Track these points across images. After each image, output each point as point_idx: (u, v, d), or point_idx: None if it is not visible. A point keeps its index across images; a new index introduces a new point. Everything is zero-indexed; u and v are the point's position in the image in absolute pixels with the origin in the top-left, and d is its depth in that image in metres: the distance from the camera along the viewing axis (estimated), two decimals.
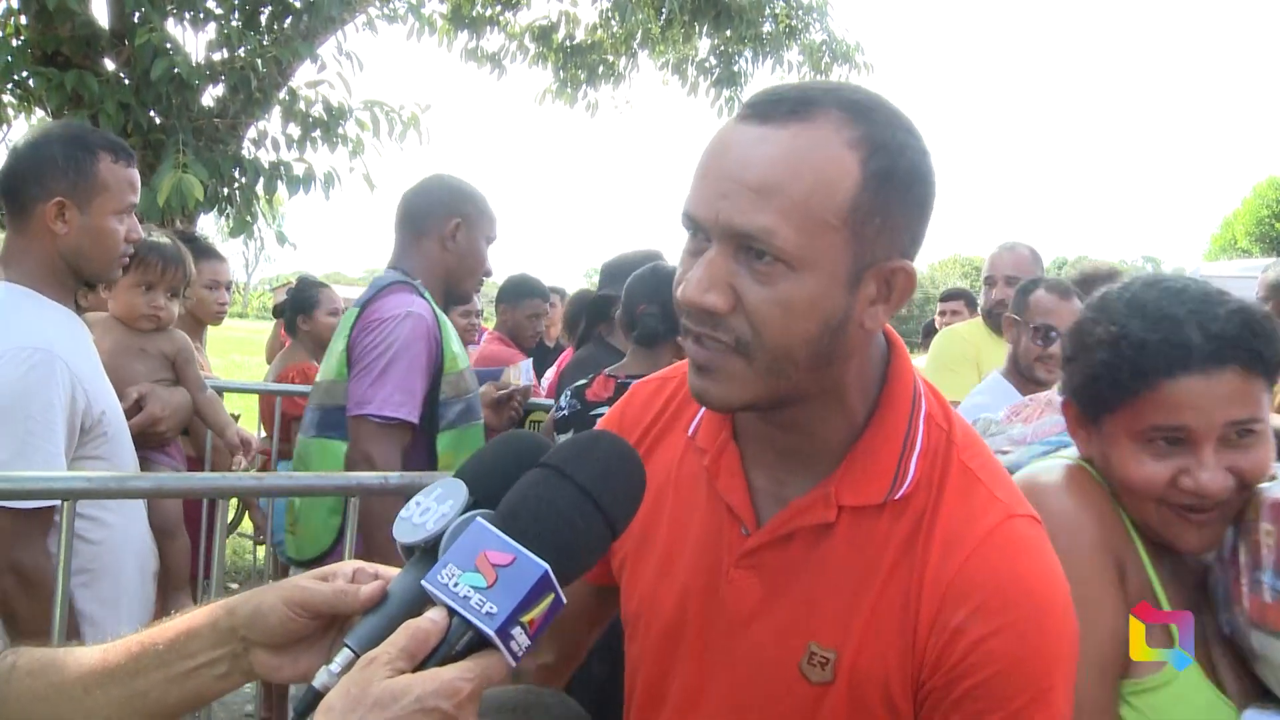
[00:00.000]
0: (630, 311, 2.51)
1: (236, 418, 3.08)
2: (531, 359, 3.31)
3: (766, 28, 7.59)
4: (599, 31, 7.73)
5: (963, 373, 3.42)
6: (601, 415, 1.46)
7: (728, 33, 7.40)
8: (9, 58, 4.19)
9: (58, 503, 1.72)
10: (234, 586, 4.34)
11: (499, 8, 7.30)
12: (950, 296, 5.99)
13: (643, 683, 1.08)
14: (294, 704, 0.69)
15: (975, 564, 0.89)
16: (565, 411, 2.48)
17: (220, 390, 3.21)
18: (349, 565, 0.80)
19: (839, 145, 0.84)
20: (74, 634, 1.83)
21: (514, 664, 0.69)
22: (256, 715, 3.35)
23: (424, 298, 2.34)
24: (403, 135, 5.17)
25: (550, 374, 4.07)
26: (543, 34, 7.56)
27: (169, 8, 4.55)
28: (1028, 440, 2.36)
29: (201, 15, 4.70)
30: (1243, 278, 5.39)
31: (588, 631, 1.25)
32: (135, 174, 1.98)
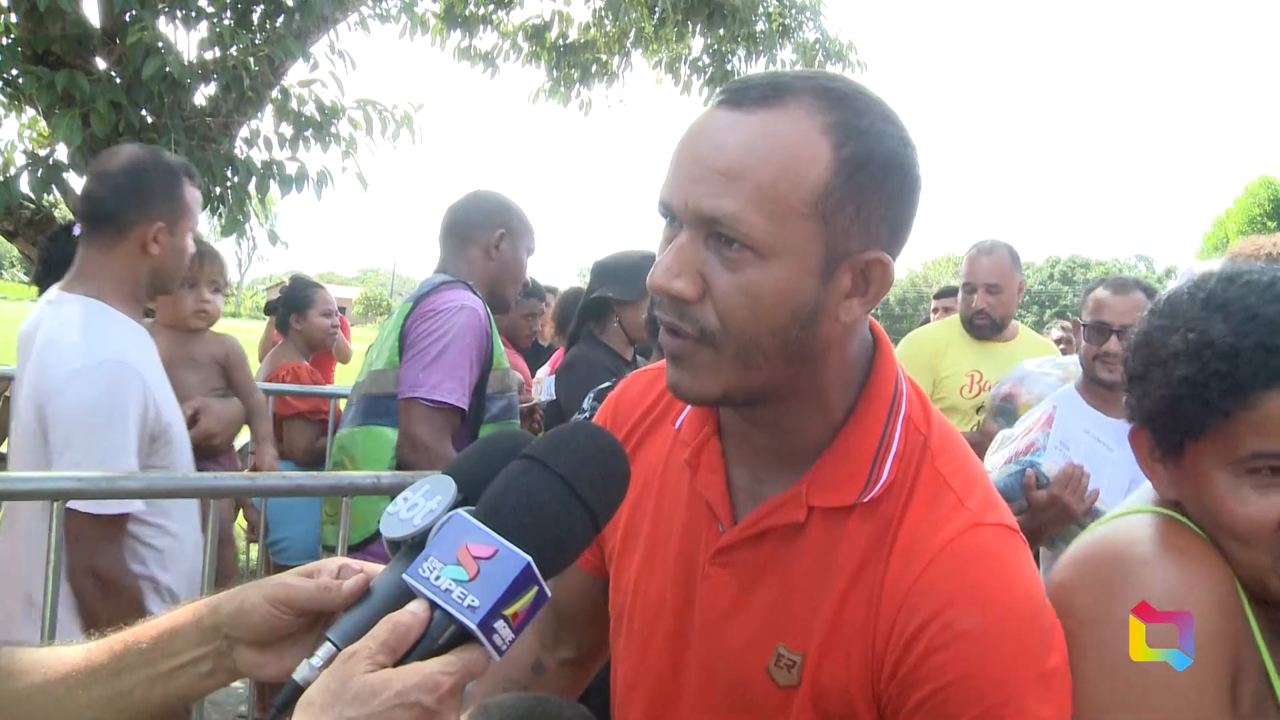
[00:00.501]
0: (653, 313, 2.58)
1: None
2: (553, 376, 3.33)
3: (760, 26, 7.57)
4: (592, 30, 7.71)
5: (918, 378, 3.39)
6: None
7: (721, 31, 7.38)
8: None
9: (133, 510, 1.85)
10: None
11: (492, 7, 7.29)
12: (945, 294, 5.99)
13: (623, 677, 1.08)
14: (274, 698, 0.69)
15: (933, 572, 0.86)
16: (587, 414, 2.50)
17: None
18: (334, 562, 0.80)
19: (810, 130, 0.82)
20: None
21: (497, 658, 0.69)
22: (250, 716, 3.35)
23: (476, 295, 2.46)
24: (396, 134, 5.15)
25: (543, 372, 4.07)
26: (536, 33, 7.55)
27: (160, 6, 4.52)
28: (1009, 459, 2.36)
29: (193, 14, 4.68)
30: None
31: (605, 630, 1.20)
32: (199, 193, 2.13)
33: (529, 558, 0.68)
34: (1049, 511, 2.23)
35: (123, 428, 1.86)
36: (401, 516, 0.74)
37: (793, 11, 7.78)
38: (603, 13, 7.39)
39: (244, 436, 3.28)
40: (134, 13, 4.26)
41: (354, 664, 0.65)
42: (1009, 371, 2.97)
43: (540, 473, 0.73)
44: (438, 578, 0.68)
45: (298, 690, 0.68)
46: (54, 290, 2.03)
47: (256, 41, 4.69)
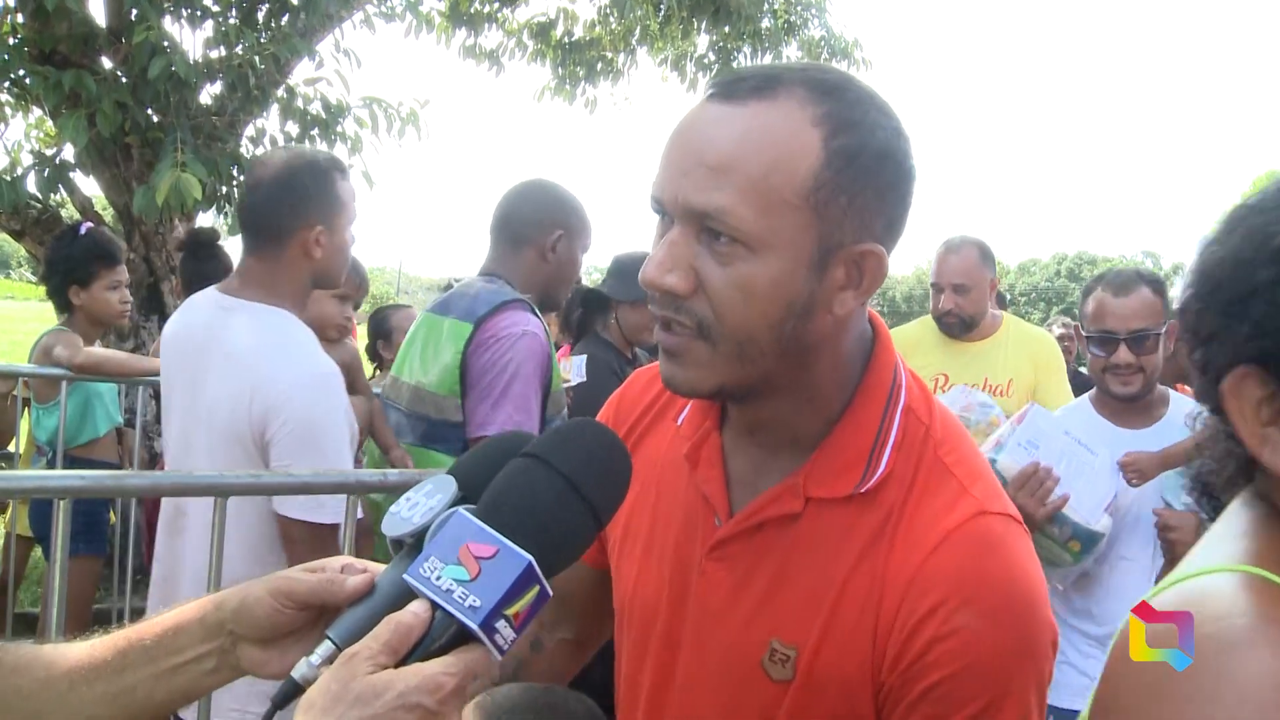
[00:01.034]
0: None
1: None
2: (585, 355, 3.25)
3: (765, 24, 7.57)
4: (597, 28, 7.71)
5: None
6: None
7: (726, 29, 7.38)
8: (5, 57, 4.18)
9: (337, 522, 1.90)
10: None
11: (497, 5, 7.29)
12: None
13: (624, 674, 1.08)
14: (272, 695, 0.69)
15: (938, 560, 0.85)
16: None
17: None
18: (339, 560, 0.80)
19: (800, 122, 0.82)
20: None
21: (499, 658, 0.68)
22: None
23: (536, 316, 2.35)
24: (401, 132, 5.16)
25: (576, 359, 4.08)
26: (541, 30, 7.55)
27: (166, 6, 4.54)
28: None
29: (199, 13, 4.69)
30: None
31: (602, 616, 1.20)
32: (352, 186, 2.13)
33: (530, 557, 0.68)
34: None
35: (343, 434, 1.94)
36: (402, 515, 0.74)
37: (798, 9, 7.78)
38: (608, 10, 7.39)
39: None
40: (139, 12, 4.27)
41: (355, 665, 0.65)
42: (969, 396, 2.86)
43: (543, 471, 0.73)
44: (439, 578, 0.68)
45: (296, 687, 0.68)
46: (211, 294, 2.05)
47: (262, 40, 4.70)
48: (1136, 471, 2.27)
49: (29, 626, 4.02)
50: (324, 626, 0.78)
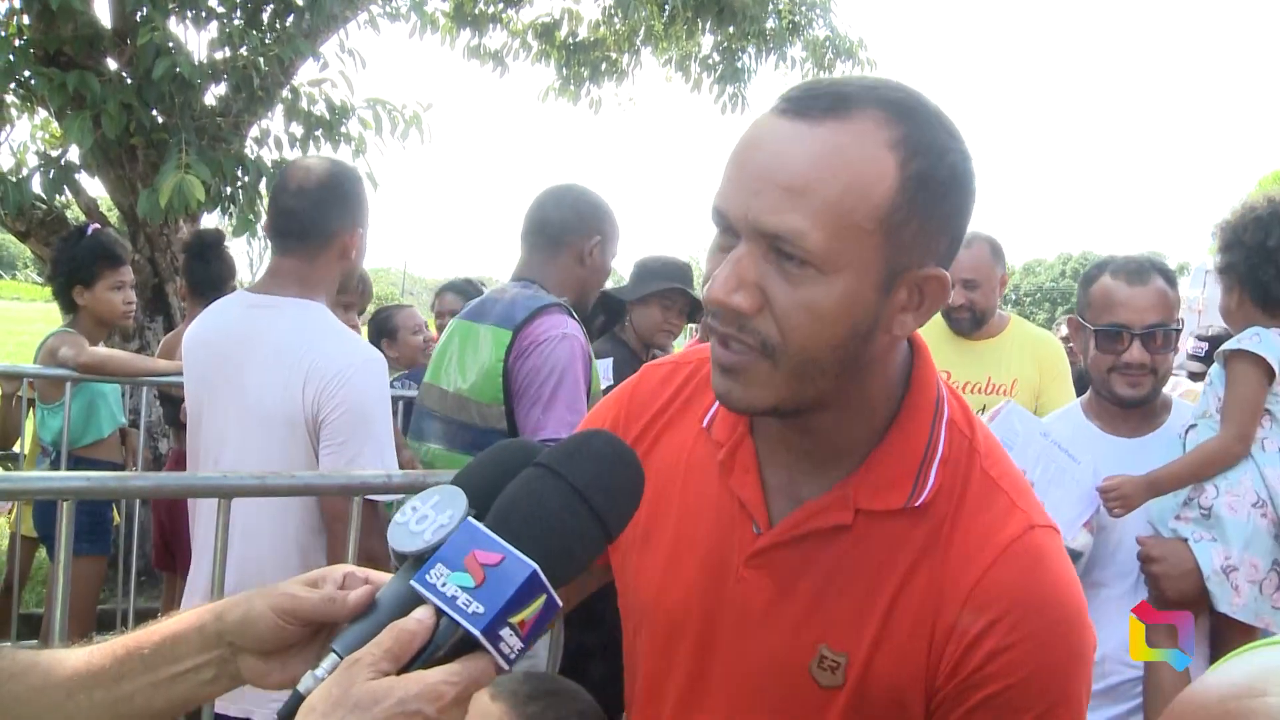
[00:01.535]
0: None
1: None
2: (611, 358, 3.26)
3: (770, 24, 7.56)
4: (602, 28, 7.71)
5: None
6: None
7: (731, 29, 7.37)
8: (11, 58, 4.18)
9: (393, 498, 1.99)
10: None
11: (501, 5, 7.29)
12: None
13: (645, 678, 1.06)
14: (278, 710, 0.68)
15: (997, 573, 0.88)
16: None
17: None
18: (339, 570, 0.79)
19: (877, 146, 0.81)
20: None
21: (506, 667, 0.68)
22: None
23: (574, 318, 2.35)
24: (405, 133, 5.15)
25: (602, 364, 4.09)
26: (545, 31, 7.55)
27: (171, 7, 4.54)
28: None
29: (204, 14, 4.69)
30: None
31: (568, 596, 1.21)
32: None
33: (535, 565, 0.67)
34: None
35: (389, 415, 2.03)
36: (411, 529, 0.72)
37: (803, 9, 7.76)
38: (612, 10, 7.39)
39: None
40: (144, 13, 4.27)
41: (356, 671, 0.64)
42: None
43: (553, 481, 0.72)
44: (444, 584, 0.67)
45: (302, 701, 0.67)
46: (238, 297, 2.12)
47: (266, 41, 4.70)
48: (1120, 499, 1.94)
49: (33, 629, 4.02)
50: (326, 636, 0.77)
